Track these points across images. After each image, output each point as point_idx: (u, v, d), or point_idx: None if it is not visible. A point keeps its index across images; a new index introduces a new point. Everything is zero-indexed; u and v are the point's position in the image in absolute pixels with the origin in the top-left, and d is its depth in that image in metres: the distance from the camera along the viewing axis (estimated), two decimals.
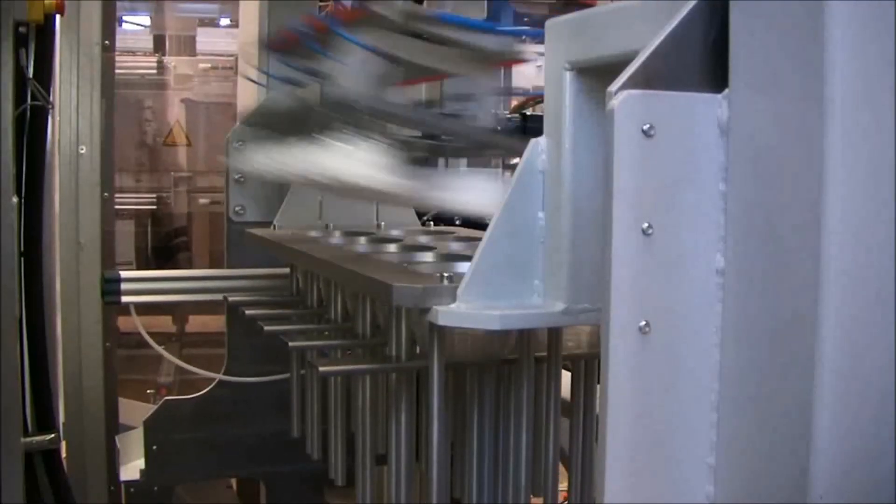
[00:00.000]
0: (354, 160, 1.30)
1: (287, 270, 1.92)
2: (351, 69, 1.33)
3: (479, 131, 1.35)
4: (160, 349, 2.32)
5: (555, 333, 1.33)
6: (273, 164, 1.60)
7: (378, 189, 1.31)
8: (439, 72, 1.45)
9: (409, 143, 1.43)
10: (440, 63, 1.38)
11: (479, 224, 2.27)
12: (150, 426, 2.12)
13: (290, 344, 1.47)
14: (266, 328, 1.55)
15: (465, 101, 1.50)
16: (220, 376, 2.14)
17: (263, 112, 1.84)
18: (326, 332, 1.58)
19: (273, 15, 2.20)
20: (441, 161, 1.91)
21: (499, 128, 1.34)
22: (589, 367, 1.44)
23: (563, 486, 1.48)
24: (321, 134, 1.48)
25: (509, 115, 2.03)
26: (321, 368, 1.33)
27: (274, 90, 1.81)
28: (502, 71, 1.58)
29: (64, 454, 2.14)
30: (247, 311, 1.67)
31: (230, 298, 1.94)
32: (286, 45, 1.62)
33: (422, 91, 1.74)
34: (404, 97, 1.57)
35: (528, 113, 2.03)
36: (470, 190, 1.31)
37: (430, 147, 1.53)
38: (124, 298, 2.11)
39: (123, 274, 2.13)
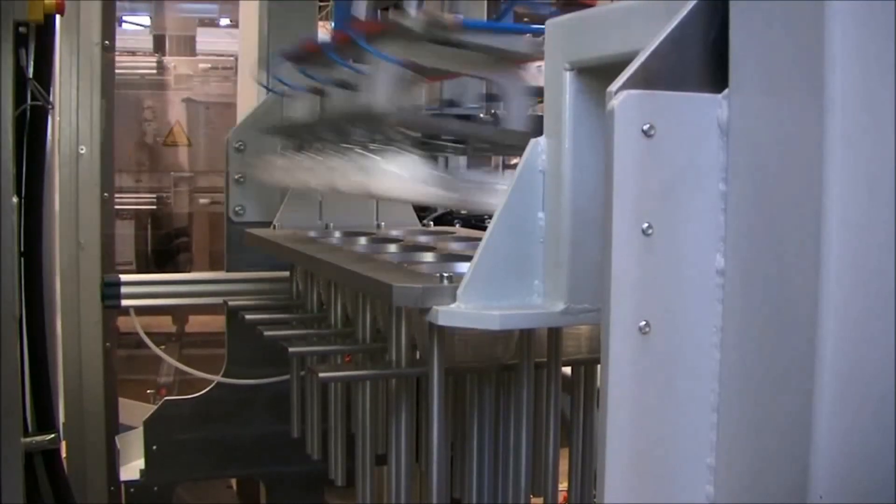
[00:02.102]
0: (384, 171, 1.30)
1: (287, 274, 1.92)
2: (377, 80, 1.32)
3: (508, 134, 1.34)
4: (159, 351, 2.32)
5: (555, 335, 1.32)
6: (299, 175, 1.60)
7: (410, 198, 1.30)
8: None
9: (433, 146, 1.43)
10: (467, 67, 1.38)
11: (478, 224, 2.27)
12: (150, 426, 2.12)
13: (291, 350, 1.47)
14: (266, 333, 1.54)
15: (493, 101, 1.50)
16: (218, 378, 2.14)
17: (285, 121, 1.83)
18: (326, 337, 1.57)
19: (273, 15, 2.20)
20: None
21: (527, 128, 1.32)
22: (589, 370, 1.44)
23: (563, 486, 1.48)
24: (346, 144, 1.48)
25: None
26: (321, 375, 1.32)
27: (291, 99, 1.80)
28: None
29: (64, 454, 2.14)
30: (247, 317, 1.67)
31: (230, 303, 1.94)
32: (306, 56, 1.62)
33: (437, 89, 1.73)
34: (428, 96, 1.56)
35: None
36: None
37: (455, 149, 1.53)
38: (124, 302, 2.11)
39: (123, 278, 2.13)
